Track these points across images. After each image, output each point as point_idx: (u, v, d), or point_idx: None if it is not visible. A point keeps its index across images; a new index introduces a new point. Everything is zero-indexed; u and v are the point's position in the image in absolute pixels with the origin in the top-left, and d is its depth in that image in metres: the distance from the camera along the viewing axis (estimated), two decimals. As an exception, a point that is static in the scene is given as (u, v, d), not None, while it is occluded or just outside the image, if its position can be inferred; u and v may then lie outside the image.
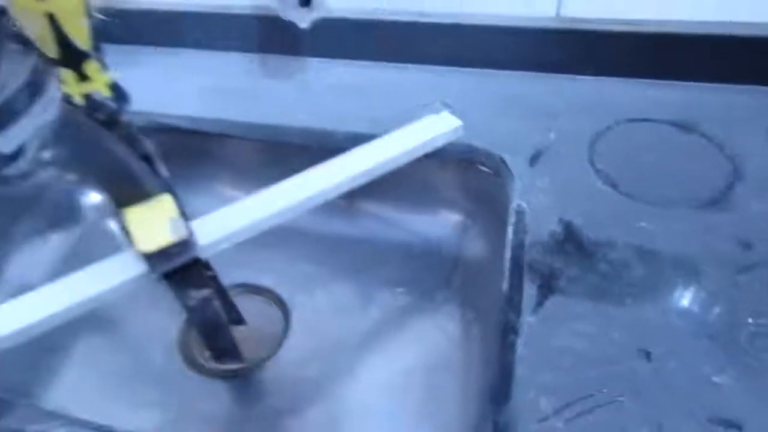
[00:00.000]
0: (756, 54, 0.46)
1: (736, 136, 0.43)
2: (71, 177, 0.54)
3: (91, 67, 0.29)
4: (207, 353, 0.48)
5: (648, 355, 0.31)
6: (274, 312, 0.50)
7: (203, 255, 0.36)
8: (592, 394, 0.30)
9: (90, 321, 0.45)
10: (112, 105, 0.31)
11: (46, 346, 0.47)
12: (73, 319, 0.36)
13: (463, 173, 0.47)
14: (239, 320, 0.47)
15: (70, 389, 0.47)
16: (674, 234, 0.37)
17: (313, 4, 0.43)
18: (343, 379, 0.46)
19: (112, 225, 0.56)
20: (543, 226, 0.38)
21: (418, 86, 0.51)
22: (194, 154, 0.54)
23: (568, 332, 0.33)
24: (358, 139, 0.44)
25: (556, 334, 0.33)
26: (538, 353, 0.32)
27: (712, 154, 0.42)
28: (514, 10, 0.48)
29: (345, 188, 0.43)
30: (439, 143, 0.45)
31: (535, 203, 0.40)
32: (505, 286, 0.36)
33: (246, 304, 0.48)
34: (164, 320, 0.49)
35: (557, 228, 0.38)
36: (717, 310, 0.33)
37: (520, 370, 0.31)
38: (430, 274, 0.50)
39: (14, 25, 0.54)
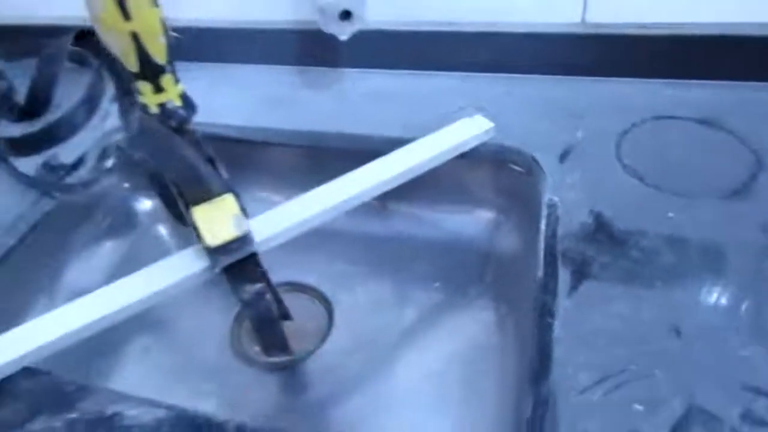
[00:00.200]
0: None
1: (758, 130, 0.46)
2: (126, 184, 0.58)
3: (166, 80, 0.33)
4: (257, 347, 0.52)
5: (678, 333, 0.34)
6: (318, 308, 0.54)
7: (258, 250, 0.40)
8: (626, 369, 0.33)
9: (144, 321, 0.50)
10: (183, 113, 0.35)
11: (102, 346, 0.52)
12: (142, 311, 0.40)
13: (495, 172, 0.51)
14: (286, 315, 0.51)
15: (128, 385, 0.51)
16: (700, 223, 0.40)
17: (352, 18, 0.47)
18: (385, 369, 0.49)
19: (163, 230, 0.61)
20: (574, 218, 0.41)
21: (450, 92, 0.55)
22: (239, 162, 0.58)
23: (601, 314, 0.36)
24: (394, 143, 0.48)
25: (590, 316, 0.36)
26: (574, 333, 0.35)
27: (734, 147, 0.45)
28: (541, 17, 0.52)
29: (384, 189, 0.46)
30: (473, 144, 0.49)
31: (566, 197, 0.43)
32: (540, 273, 0.39)
33: (292, 301, 0.52)
34: (215, 318, 0.54)
35: (588, 219, 0.41)
36: (743, 292, 0.36)
37: (557, 349, 0.34)
38: (464, 270, 0.53)
39: (73, 45, 0.58)
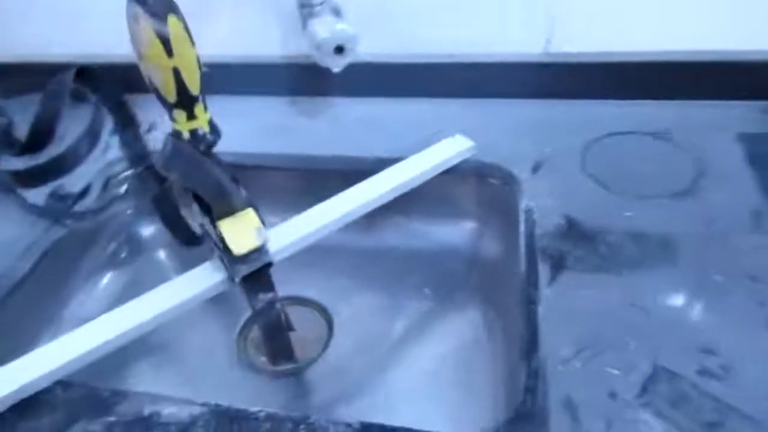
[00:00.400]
0: (716, 75, 0.58)
1: (698, 141, 0.55)
2: (129, 211, 0.63)
3: (198, 108, 0.40)
4: (263, 358, 0.57)
5: (642, 310, 0.41)
6: (318, 319, 0.60)
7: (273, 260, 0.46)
8: (600, 341, 0.40)
9: (150, 342, 0.54)
10: (211, 138, 0.41)
11: (110, 367, 0.56)
12: (167, 321, 0.45)
13: (476, 185, 0.58)
14: (290, 326, 0.56)
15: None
16: (655, 219, 0.48)
17: (345, 52, 0.54)
18: (384, 371, 0.55)
19: (164, 255, 0.66)
20: (549, 220, 0.49)
21: (432, 116, 0.63)
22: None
23: (577, 298, 0.43)
24: (385, 163, 0.55)
25: (568, 301, 0.43)
26: (555, 316, 0.42)
27: (679, 156, 0.54)
28: (509, 48, 0.60)
29: (379, 203, 0.53)
30: (455, 161, 0.56)
31: (541, 204, 0.51)
32: (523, 268, 0.46)
33: (293, 313, 0.57)
34: (220, 334, 0.59)
35: (561, 221, 0.49)
36: (693, 273, 0.43)
37: (542, 329, 0.41)
38: (452, 276, 0.60)
39: (75, 82, 0.64)
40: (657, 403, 0.36)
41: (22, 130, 0.64)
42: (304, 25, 0.57)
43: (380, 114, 0.64)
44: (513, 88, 0.62)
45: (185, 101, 0.39)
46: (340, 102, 0.67)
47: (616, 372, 0.38)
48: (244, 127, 0.63)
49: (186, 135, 0.40)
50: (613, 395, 0.37)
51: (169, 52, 0.36)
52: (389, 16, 0.61)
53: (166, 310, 0.44)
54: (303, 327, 0.58)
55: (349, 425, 0.38)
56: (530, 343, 0.41)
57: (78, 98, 0.66)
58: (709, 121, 0.57)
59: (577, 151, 0.56)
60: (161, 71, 0.37)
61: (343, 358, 0.56)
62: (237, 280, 0.44)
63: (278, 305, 0.48)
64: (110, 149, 0.64)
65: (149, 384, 0.56)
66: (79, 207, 0.59)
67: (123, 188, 0.60)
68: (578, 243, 0.47)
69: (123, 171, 0.63)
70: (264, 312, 0.48)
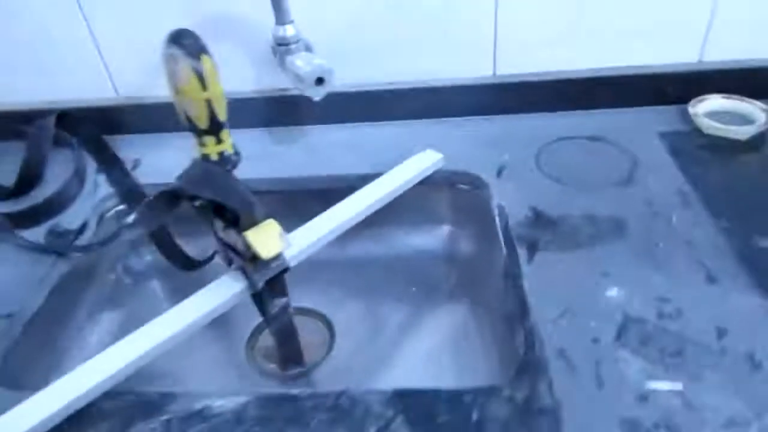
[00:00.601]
0: (636, 86, 0.72)
1: (630, 141, 0.67)
2: (126, 242, 0.68)
3: (224, 134, 0.47)
4: (272, 365, 0.63)
5: (604, 274, 0.52)
6: (319, 326, 0.66)
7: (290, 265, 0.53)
8: (576, 302, 0.49)
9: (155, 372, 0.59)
10: (235, 159, 0.48)
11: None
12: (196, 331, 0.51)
13: (449, 192, 0.68)
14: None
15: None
16: (604, 204, 0.59)
17: (325, 83, 0.62)
18: (385, 365, 0.62)
19: (158, 285, 0.71)
20: (519, 213, 0.59)
21: (400, 136, 0.72)
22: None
23: (553, 271, 0.52)
24: (364, 179, 0.63)
25: (545, 274, 0.52)
26: (538, 287, 0.51)
27: (616, 154, 0.66)
28: (462, 74, 0.71)
29: (364, 215, 0.61)
30: (429, 173, 0.66)
31: (509, 200, 0.61)
32: (504, 252, 0.56)
33: (297, 323, 0.63)
34: (229, 347, 0.64)
35: (529, 213, 0.59)
36: (641, 243, 0.54)
37: (530, 298, 0.50)
38: (434, 275, 0.69)
39: (59, 128, 0.68)
40: (631, 343, 0.46)
41: (4, 174, 0.68)
42: (282, 61, 0.65)
43: (351, 138, 0.73)
44: (468, 107, 0.73)
45: (215, 128, 0.46)
46: (312, 130, 0.75)
47: (594, 324, 0.48)
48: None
49: (214, 157, 0.47)
50: (596, 341, 0.46)
51: (204, 86, 0.44)
52: (354, 51, 0.70)
53: (191, 322, 0.49)
54: (307, 333, 0.64)
55: (383, 392, 0.45)
56: (522, 310, 0.50)
57: (58, 142, 0.70)
58: (634, 123, 0.70)
59: (531, 155, 0.67)
60: (196, 103, 0.44)
61: (346, 357, 0.63)
62: (261, 285, 0.51)
63: (290, 310, 0.55)
64: (99, 187, 0.69)
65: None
66: (80, 241, 0.63)
67: (132, 217, 0.65)
68: (546, 228, 0.57)
69: (115, 206, 0.68)
70: (278, 317, 0.54)
